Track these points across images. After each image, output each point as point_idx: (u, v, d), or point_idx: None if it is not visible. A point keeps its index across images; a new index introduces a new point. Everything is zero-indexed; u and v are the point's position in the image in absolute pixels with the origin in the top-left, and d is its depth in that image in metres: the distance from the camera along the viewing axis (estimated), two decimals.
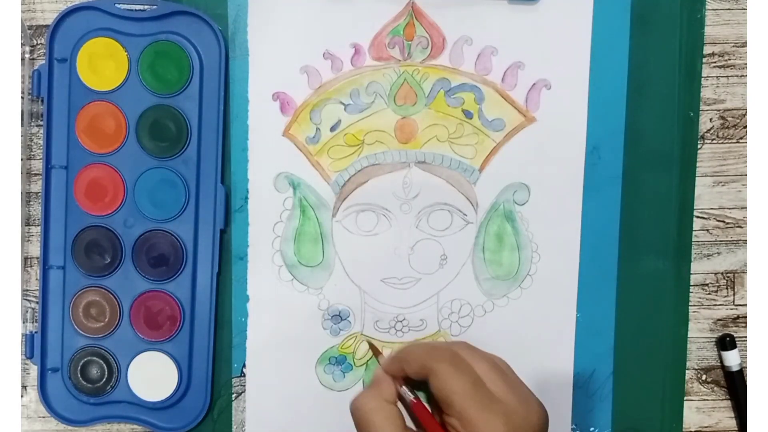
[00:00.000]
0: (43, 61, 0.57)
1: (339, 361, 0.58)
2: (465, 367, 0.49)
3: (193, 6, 0.56)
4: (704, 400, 0.59)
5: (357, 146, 0.57)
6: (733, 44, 0.58)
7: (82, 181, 0.57)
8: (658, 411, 0.58)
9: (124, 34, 0.56)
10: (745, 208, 0.58)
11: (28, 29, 0.58)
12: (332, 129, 0.57)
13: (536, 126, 0.57)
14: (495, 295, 0.58)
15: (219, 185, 0.57)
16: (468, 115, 0.57)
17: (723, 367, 0.58)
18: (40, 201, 0.57)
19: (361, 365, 0.58)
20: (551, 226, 0.57)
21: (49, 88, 0.57)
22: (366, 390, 0.51)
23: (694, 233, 0.58)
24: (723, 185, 0.58)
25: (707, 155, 0.58)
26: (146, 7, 0.56)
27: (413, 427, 0.50)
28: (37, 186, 0.58)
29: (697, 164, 0.58)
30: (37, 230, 0.58)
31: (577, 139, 0.57)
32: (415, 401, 0.51)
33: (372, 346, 0.56)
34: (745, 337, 0.58)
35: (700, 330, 0.59)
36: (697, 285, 0.58)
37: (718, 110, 0.58)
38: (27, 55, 0.57)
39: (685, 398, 0.59)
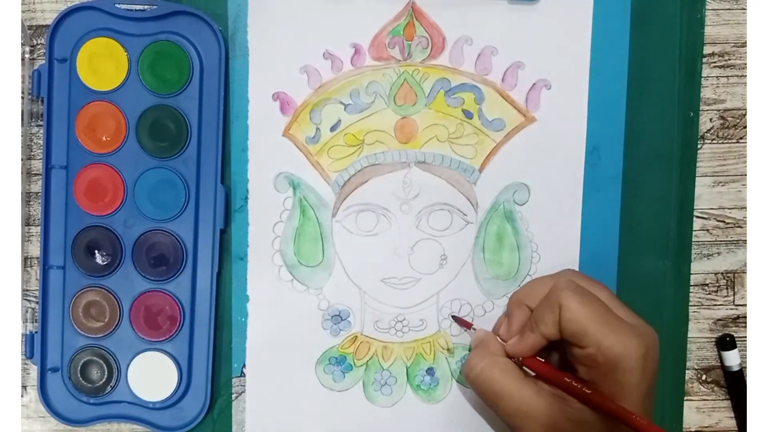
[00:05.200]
0: (43, 61, 0.57)
1: (339, 361, 0.58)
2: (590, 295, 0.49)
3: (193, 6, 0.56)
4: (704, 400, 0.59)
5: (357, 146, 0.57)
6: (733, 44, 0.58)
7: (82, 181, 0.57)
8: (658, 411, 0.58)
9: (124, 34, 0.56)
10: (745, 208, 0.58)
11: (28, 29, 0.58)
12: (332, 129, 0.57)
13: (536, 126, 0.57)
14: (495, 295, 0.58)
15: (219, 185, 0.57)
16: (468, 115, 0.57)
17: (723, 367, 0.58)
18: (40, 201, 0.57)
19: (361, 365, 0.58)
20: (551, 226, 0.57)
21: (49, 88, 0.57)
22: (472, 353, 0.51)
23: (694, 233, 0.58)
24: (723, 185, 0.58)
25: (707, 155, 0.58)
26: (146, 7, 0.56)
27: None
28: (37, 186, 0.58)
29: (697, 164, 0.58)
30: (37, 230, 0.58)
31: (577, 139, 0.57)
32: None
33: (460, 320, 0.56)
34: (745, 337, 0.58)
35: (700, 330, 0.59)
36: (697, 285, 0.58)
37: (718, 110, 0.58)
38: (27, 55, 0.57)
39: (685, 398, 0.59)
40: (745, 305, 0.58)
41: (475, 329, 0.54)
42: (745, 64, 0.58)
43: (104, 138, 0.57)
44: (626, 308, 0.50)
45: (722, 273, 0.59)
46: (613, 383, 0.47)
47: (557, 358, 0.53)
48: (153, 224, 0.57)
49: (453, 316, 0.57)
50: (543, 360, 0.50)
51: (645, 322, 0.49)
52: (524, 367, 0.51)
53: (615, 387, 0.47)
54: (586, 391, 0.48)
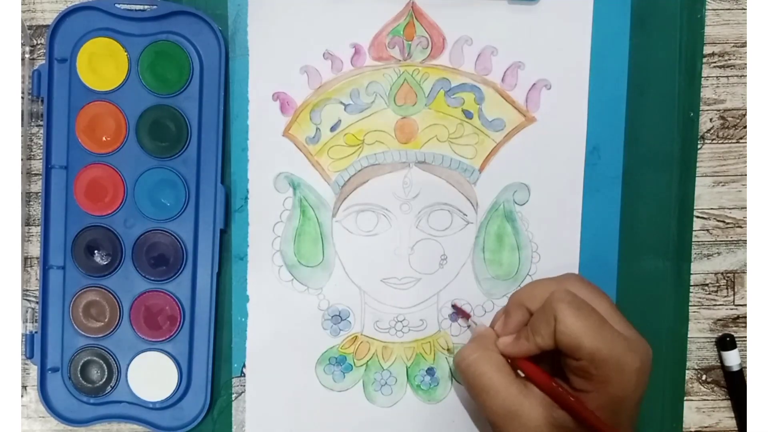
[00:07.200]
0: (43, 61, 0.57)
1: (339, 361, 0.58)
2: (586, 307, 0.48)
3: (193, 6, 0.56)
4: (704, 400, 0.59)
5: (357, 146, 0.57)
6: (733, 44, 0.58)
7: (82, 181, 0.57)
8: (658, 411, 0.58)
9: (124, 34, 0.56)
10: (745, 208, 0.58)
11: (28, 29, 0.58)
12: (332, 129, 0.57)
13: (536, 126, 0.57)
14: (495, 295, 0.58)
15: (219, 185, 0.57)
16: (468, 115, 0.57)
17: (723, 367, 0.58)
18: (40, 201, 0.57)
19: (361, 365, 0.58)
20: (551, 226, 0.57)
21: (49, 88, 0.57)
22: (467, 344, 0.52)
23: (694, 233, 0.58)
24: (723, 185, 0.58)
25: (707, 155, 0.58)
26: (146, 7, 0.56)
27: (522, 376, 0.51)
28: (37, 186, 0.58)
29: (697, 164, 0.58)
30: (37, 230, 0.58)
31: (577, 139, 0.57)
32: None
33: (459, 309, 0.57)
34: (745, 337, 0.58)
35: (700, 330, 0.59)
36: (697, 285, 0.58)
37: (718, 110, 0.58)
38: (27, 55, 0.57)
39: (685, 398, 0.59)
40: (745, 305, 0.58)
41: (475, 323, 0.55)
42: (745, 64, 0.58)
43: (104, 138, 0.57)
44: (623, 320, 0.50)
45: (722, 273, 0.59)
46: (605, 396, 0.48)
47: (553, 364, 0.53)
48: (153, 224, 0.57)
49: (453, 305, 0.57)
50: (534, 364, 0.51)
51: (640, 336, 0.49)
52: (517, 370, 0.52)
53: (606, 399, 0.48)
54: (571, 399, 0.48)
